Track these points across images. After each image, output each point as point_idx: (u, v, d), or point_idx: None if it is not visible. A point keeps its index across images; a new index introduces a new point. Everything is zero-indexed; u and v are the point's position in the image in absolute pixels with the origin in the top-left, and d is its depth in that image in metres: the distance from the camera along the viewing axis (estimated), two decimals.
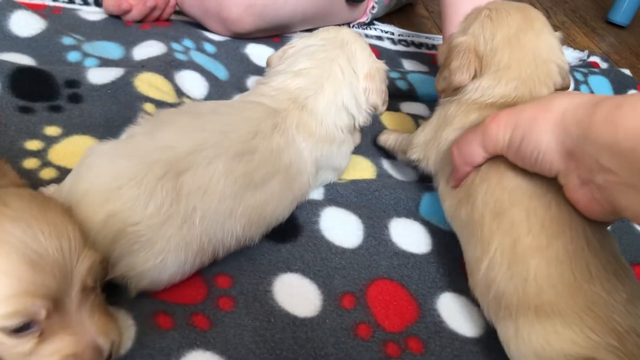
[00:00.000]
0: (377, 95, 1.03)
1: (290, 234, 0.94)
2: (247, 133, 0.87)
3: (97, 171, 0.76)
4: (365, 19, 1.74)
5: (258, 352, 0.75)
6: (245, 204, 0.84)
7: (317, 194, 1.02)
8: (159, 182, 0.75)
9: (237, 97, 1.04)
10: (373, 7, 1.72)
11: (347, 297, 0.87)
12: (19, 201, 0.60)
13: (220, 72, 1.31)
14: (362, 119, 1.02)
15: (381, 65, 1.06)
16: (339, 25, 1.64)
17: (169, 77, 1.17)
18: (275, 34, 1.51)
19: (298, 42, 1.06)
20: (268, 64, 1.07)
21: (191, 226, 0.77)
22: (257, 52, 1.42)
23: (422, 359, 0.81)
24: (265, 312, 0.81)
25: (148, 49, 1.27)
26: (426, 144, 0.99)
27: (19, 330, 0.57)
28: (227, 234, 0.82)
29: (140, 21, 1.41)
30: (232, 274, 0.85)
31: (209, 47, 1.37)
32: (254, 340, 0.76)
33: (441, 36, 1.37)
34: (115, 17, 1.41)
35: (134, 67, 1.16)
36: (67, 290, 0.60)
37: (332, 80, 0.99)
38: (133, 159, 0.76)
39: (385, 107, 1.05)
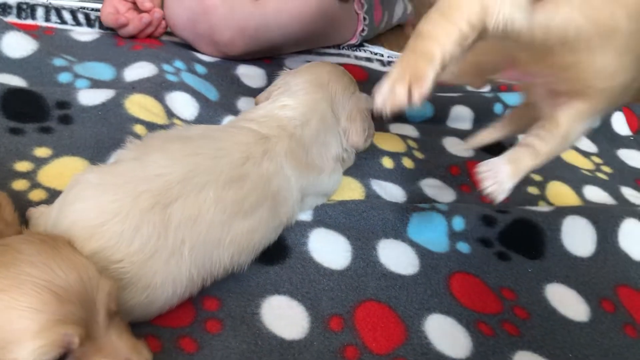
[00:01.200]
0: (356, 136, 1.06)
1: (279, 256, 0.94)
2: (238, 159, 0.87)
3: (81, 206, 0.75)
4: (355, 41, 1.76)
5: None
6: (234, 232, 0.84)
7: (306, 215, 1.03)
8: (145, 215, 0.75)
9: (226, 122, 1.05)
10: (363, 30, 1.75)
11: (334, 319, 0.87)
12: (30, 245, 0.62)
13: (211, 93, 1.32)
14: (345, 155, 1.04)
15: (363, 104, 1.08)
16: (330, 46, 1.67)
17: (160, 99, 1.18)
18: (266, 56, 1.52)
19: (282, 82, 1.09)
20: (256, 103, 1.10)
21: (179, 259, 0.77)
22: (248, 73, 1.43)
23: None
24: (253, 335, 0.81)
25: (139, 70, 1.28)
26: None
27: None
28: (215, 264, 0.82)
29: (134, 37, 1.42)
30: (220, 296, 0.85)
31: (200, 68, 1.38)
32: None
33: None
34: (107, 38, 1.42)
35: (124, 89, 1.16)
36: (94, 317, 0.62)
37: (316, 117, 1.02)
38: (119, 192, 0.76)
39: (368, 143, 1.08)
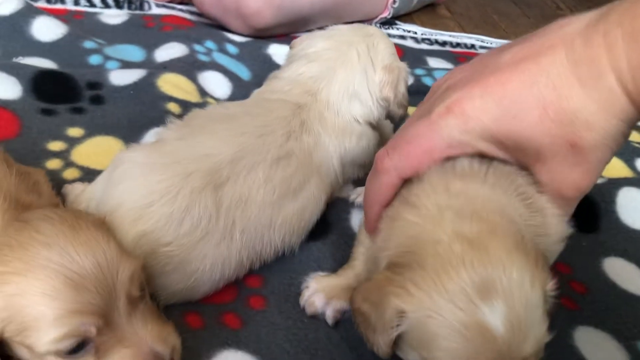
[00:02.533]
0: (391, 89, 0.96)
1: (321, 232, 0.90)
2: (281, 135, 0.83)
3: (128, 185, 0.72)
4: (387, 14, 1.70)
5: (292, 352, 0.72)
6: (285, 212, 0.80)
7: (347, 192, 0.98)
8: (197, 196, 0.71)
9: (255, 94, 1.00)
10: (394, 1, 1.69)
11: None
12: (49, 225, 0.58)
13: (243, 72, 1.29)
14: (376, 112, 0.97)
15: (403, 65, 1.01)
16: (361, 20, 1.62)
17: (192, 78, 1.15)
18: (295, 31, 1.48)
19: (326, 29, 1.03)
20: (291, 46, 1.03)
21: (230, 242, 0.74)
22: (279, 52, 1.39)
23: None
24: (298, 312, 0.77)
25: (170, 50, 1.25)
26: None
27: (74, 351, 0.55)
28: (266, 246, 0.79)
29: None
30: (262, 273, 0.82)
31: (232, 48, 1.35)
32: (287, 340, 0.73)
33: (464, 34, 1.33)
34: (136, 19, 1.40)
35: (156, 68, 1.14)
36: (114, 304, 0.58)
37: (345, 64, 0.94)
38: (168, 171, 0.72)
39: (402, 111, 1.00)
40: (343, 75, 0.93)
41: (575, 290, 0.90)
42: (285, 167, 0.81)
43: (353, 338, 0.75)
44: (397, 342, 0.59)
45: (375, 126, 0.99)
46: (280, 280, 0.81)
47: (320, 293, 0.75)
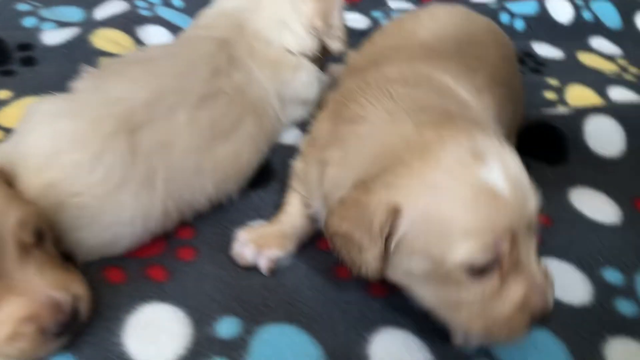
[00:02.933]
0: (320, 18, 0.90)
1: (262, 179, 0.85)
2: (205, 73, 0.77)
3: (35, 135, 0.67)
4: None
5: (222, 300, 0.67)
6: (217, 156, 0.75)
7: (293, 137, 0.92)
8: (109, 142, 0.66)
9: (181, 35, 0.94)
10: None
11: (325, 240, 0.77)
12: None
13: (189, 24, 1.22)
14: (309, 43, 0.91)
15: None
16: None
17: (130, 32, 1.09)
18: None
19: None
20: None
21: (151, 191, 0.68)
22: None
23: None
24: (232, 263, 0.72)
25: (110, 9, 1.19)
26: None
27: None
28: (196, 195, 0.73)
29: None
30: (195, 224, 0.76)
31: (177, 2, 1.28)
32: (217, 289, 0.68)
33: None
34: None
35: (91, 25, 1.08)
36: (1, 253, 0.53)
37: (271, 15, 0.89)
38: (77, 117, 0.67)
39: (339, 45, 0.93)
40: (269, 3, 0.86)
41: (540, 223, 0.84)
42: (212, 107, 0.75)
43: (291, 283, 0.70)
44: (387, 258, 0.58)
45: (317, 60, 0.93)
46: (215, 230, 0.76)
47: (250, 244, 0.69)
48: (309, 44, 0.89)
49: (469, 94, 0.72)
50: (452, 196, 0.54)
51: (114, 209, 0.66)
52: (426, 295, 0.60)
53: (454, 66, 0.75)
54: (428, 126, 0.59)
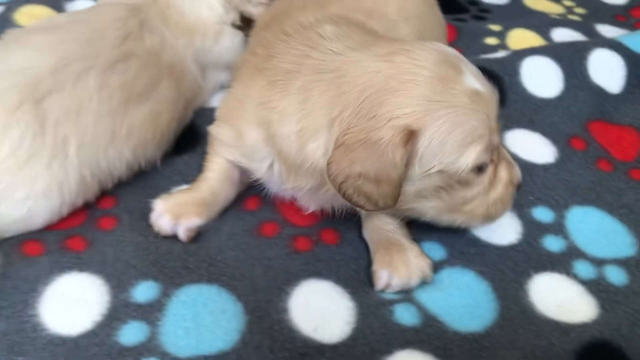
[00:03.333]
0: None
1: (188, 144, 0.84)
2: (115, 38, 0.76)
3: None
4: None
5: (140, 266, 0.66)
6: (131, 120, 0.73)
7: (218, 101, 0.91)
8: (14, 114, 0.64)
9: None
10: None
11: (251, 200, 0.77)
12: None
13: None
14: (224, 12, 0.89)
15: None
16: None
17: (58, 8, 1.06)
18: None
19: None
20: None
21: (64, 160, 0.67)
22: None
23: (337, 250, 0.71)
24: (151, 228, 0.71)
25: None
26: None
27: None
28: (114, 161, 0.72)
29: None
30: (117, 193, 0.76)
31: None
32: (135, 255, 0.67)
33: None
34: None
35: (16, 2, 1.05)
36: None
37: None
38: None
39: (261, 10, 0.91)
40: None
41: None
42: (124, 70, 0.74)
43: (213, 245, 0.70)
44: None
45: (243, 27, 0.91)
46: (137, 197, 0.75)
47: (166, 215, 0.69)
48: (226, 15, 0.88)
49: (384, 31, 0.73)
50: (455, 108, 0.57)
51: (27, 183, 0.65)
52: (432, 208, 0.64)
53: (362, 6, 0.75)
54: (390, 54, 0.60)
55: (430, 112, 0.57)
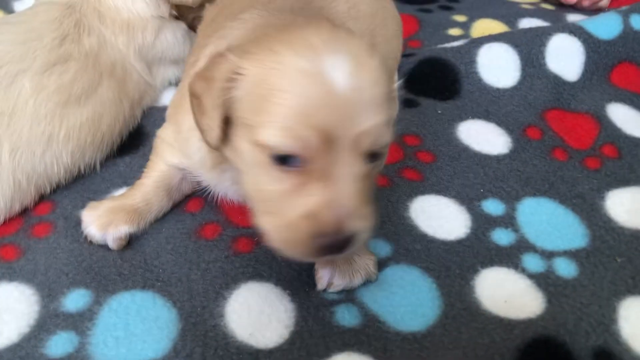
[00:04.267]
0: None
1: (132, 145, 0.82)
2: (53, 39, 0.74)
3: None
4: None
5: (72, 274, 0.64)
6: (70, 123, 0.71)
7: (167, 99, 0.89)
8: None
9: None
10: None
11: (193, 201, 0.75)
12: None
13: None
14: (163, 6, 0.86)
15: None
16: None
17: (4, 7, 1.03)
18: None
19: None
20: None
21: None
22: None
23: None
24: None
25: None
26: None
27: None
28: (51, 166, 0.70)
29: None
30: (55, 198, 0.74)
31: None
32: (69, 263, 0.65)
33: None
34: None
35: None
36: None
37: None
38: None
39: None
40: None
41: (421, 161, 0.82)
42: (61, 72, 0.72)
43: (150, 249, 0.68)
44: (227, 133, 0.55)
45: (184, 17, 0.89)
46: (74, 203, 0.73)
47: (93, 224, 0.66)
48: (163, 8, 0.85)
49: None
50: (287, 73, 0.50)
51: None
52: (244, 179, 0.57)
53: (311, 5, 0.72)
54: (301, 18, 0.59)
55: (263, 62, 0.52)
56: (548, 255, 0.70)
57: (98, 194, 0.74)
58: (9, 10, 1.03)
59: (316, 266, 0.65)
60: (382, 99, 0.53)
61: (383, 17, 0.85)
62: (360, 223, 0.51)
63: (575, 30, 0.99)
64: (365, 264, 0.65)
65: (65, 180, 0.73)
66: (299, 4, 0.72)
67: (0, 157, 0.66)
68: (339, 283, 0.64)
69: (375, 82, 0.52)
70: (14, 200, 0.68)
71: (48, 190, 0.72)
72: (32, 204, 0.71)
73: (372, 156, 0.53)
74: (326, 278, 0.64)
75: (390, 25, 0.86)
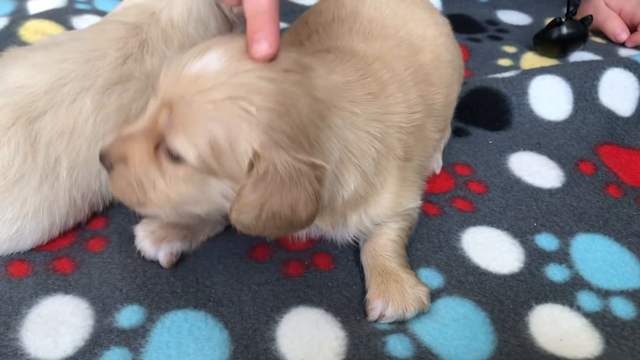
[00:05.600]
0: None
1: None
2: (116, 58, 0.75)
3: None
4: None
5: (126, 289, 0.65)
6: None
7: None
8: (5, 134, 0.64)
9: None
10: None
11: None
12: None
13: None
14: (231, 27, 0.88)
15: None
16: None
17: (63, 22, 1.06)
18: None
19: None
20: None
21: (55, 182, 0.67)
22: None
23: (329, 275, 0.69)
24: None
25: (45, 2, 1.16)
26: None
27: None
28: (105, 185, 0.71)
29: None
30: (108, 214, 0.74)
31: None
32: (122, 278, 0.66)
33: None
34: None
35: (20, 17, 1.05)
36: None
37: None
38: None
39: None
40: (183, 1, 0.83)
41: (473, 191, 0.82)
42: (122, 92, 0.73)
43: (202, 268, 0.68)
44: None
45: None
46: (127, 219, 0.73)
47: (146, 239, 0.67)
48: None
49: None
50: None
51: (16, 204, 0.64)
52: None
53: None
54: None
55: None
56: (604, 294, 0.68)
57: None
58: (68, 26, 1.06)
59: (368, 296, 0.65)
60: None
61: (459, 64, 0.85)
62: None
63: (630, 65, 0.97)
64: (418, 296, 0.64)
65: (117, 199, 0.73)
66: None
67: (59, 175, 0.67)
68: (391, 315, 0.63)
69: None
70: (69, 216, 0.69)
71: (101, 208, 0.73)
72: (85, 220, 0.72)
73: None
74: (378, 310, 0.63)
75: (459, 69, 0.85)
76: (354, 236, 0.67)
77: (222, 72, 0.51)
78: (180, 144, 0.52)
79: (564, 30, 1.14)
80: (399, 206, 0.67)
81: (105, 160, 0.57)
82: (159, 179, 0.55)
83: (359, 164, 0.59)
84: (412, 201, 0.68)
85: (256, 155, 0.50)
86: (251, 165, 0.51)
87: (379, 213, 0.65)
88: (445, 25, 0.82)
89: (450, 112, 0.82)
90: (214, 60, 0.52)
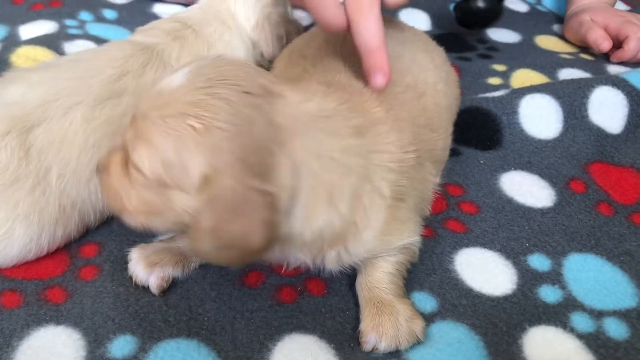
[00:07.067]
0: (266, 45, 0.96)
1: None
2: (110, 76, 0.77)
3: None
4: None
5: (118, 319, 0.64)
6: None
7: None
8: (3, 139, 0.66)
9: None
10: None
11: None
12: None
13: (123, 36, 1.20)
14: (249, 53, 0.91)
15: (271, 9, 0.96)
16: None
17: (54, 48, 1.06)
18: None
19: None
20: None
21: (46, 187, 0.68)
22: (165, 12, 1.31)
23: (323, 301, 0.69)
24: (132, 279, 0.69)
25: (37, 27, 1.16)
26: None
27: None
28: (95, 193, 0.72)
29: None
30: (100, 240, 0.74)
31: (110, 13, 1.26)
32: (114, 307, 0.66)
33: None
34: None
35: (11, 43, 1.05)
36: None
37: (214, 19, 0.92)
38: None
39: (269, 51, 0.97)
40: (215, 27, 0.90)
41: (465, 212, 0.82)
42: (114, 106, 0.75)
43: (195, 296, 0.68)
44: None
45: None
46: (120, 246, 0.73)
47: (140, 263, 0.67)
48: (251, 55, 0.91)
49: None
50: None
51: (9, 204, 0.66)
52: None
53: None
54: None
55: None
56: (597, 314, 0.69)
57: (143, 238, 0.74)
58: (60, 51, 1.06)
59: (361, 327, 0.64)
60: None
61: (457, 104, 0.86)
62: None
63: (618, 83, 0.98)
64: (413, 330, 0.63)
65: (107, 210, 0.74)
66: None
67: (50, 181, 0.69)
68: (384, 348, 0.63)
69: None
70: (58, 224, 0.70)
71: (92, 218, 0.73)
72: (75, 234, 0.72)
73: None
74: (371, 344, 0.63)
75: (456, 109, 0.87)
76: (341, 267, 0.66)
77: (179, 89, 0.53)
78: (138, 157, 0.53)
79: (480, 3, 1.23)
80: (387, 243, 0.64)
81: (97, 170, 0.61)
82: (130, 189, 0.56)
83: (329, 198, 0.56)
84: (406, 237, 0.66)
85: (205, 176, 0.50)
86: (203, 185, 0.50)
87: (359, 251, 0.63)
88: (441, 69, 0.83)
89: (447, 153, 0.83)
90: (177, 78, 0.54)
